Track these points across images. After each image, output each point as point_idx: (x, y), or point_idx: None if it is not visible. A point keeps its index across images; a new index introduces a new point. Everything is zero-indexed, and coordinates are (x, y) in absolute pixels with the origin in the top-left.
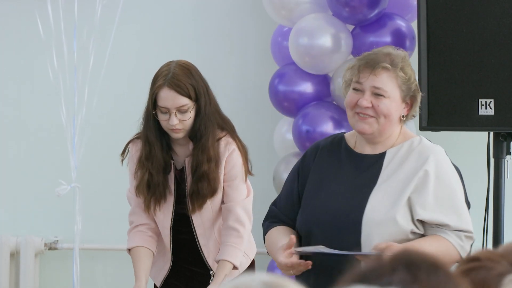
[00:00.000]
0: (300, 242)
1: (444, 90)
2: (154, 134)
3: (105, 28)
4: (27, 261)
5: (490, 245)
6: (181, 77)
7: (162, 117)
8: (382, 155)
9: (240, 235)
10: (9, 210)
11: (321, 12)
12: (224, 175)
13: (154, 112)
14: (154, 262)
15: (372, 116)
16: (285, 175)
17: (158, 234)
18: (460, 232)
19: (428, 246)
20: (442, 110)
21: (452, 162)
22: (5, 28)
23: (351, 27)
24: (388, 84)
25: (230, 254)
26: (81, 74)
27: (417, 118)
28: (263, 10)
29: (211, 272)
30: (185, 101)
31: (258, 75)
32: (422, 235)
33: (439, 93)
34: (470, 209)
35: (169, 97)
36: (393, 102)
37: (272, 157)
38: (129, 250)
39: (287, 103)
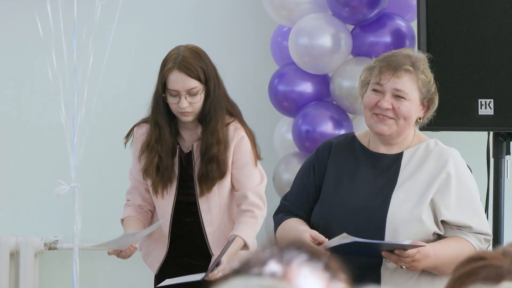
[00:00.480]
0: None
1: (444, 90)
2: (163, 118)
3: (104, 28)
4: (27, 261)
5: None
6: (191, 60)
7: (171, 100)
8: (399, 156)
9: (254, 215)
10: (9, 210)
11: (321, 12)
12: (234, 162)
13: (163, 95)
14: (151, 251)
15: (391, 118)
16: (285, 175)
17: (152, 213)
18: (480, 235)
19: (453, 247)
20: (442, 110)
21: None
22: (4, 28)
23: (351, 27)
24: (409, 86)
25: (242, 231)
26: (81, 74)
27: None
28: (263, 10)
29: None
30: (195, 84)
31: (258, 75)
32: (440, 237)
33: (439, 93)
34: None
35: (179, 80)
36: (413, 104)
37: (272, 157)
38: (122, 220)
39: (287, 103)
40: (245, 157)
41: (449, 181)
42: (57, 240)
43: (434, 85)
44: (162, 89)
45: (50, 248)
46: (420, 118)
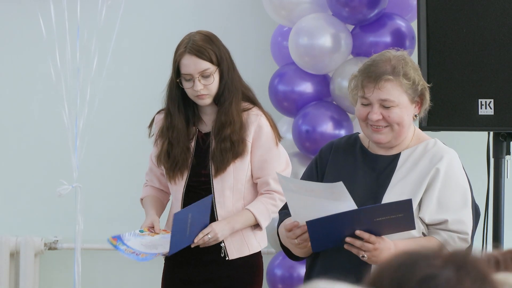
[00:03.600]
0: None
1: (444, 90)
2: (176, 105)
3: (107, 28)
4: (27, 261)
5: (490, 245)
6: (201, 43)
7: (186, 85)
8: (396, 156)
9: (272, 197)
10: (9, 210)
11: (321, 12)
12: (255, 150)
13: (178, 81)
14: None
15: (385, 126)
16: None
17: (169, 194)
18: (454, 233)
19: (417, 243)
20: (442, 110)
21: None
22: (7, 28)
23: (351, 27)
24: (394, 93)
25: (252, 205)
26: (83, 75)
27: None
28: (263, 10)
29: (222, 244)
30: (207, 65)
31: (258, 75)
32: None
33: (439, 93)
34: (479, 218)
35: (191, 63)
36: (403, 108)
37: None
38: (141, 200)
39: (287, 103)
40: (266, 144)
41: (437, 176)
42: (57, 240)
43: (422, 82)
44: (176, 76)
45: (50, 248)
46: (416, 115)
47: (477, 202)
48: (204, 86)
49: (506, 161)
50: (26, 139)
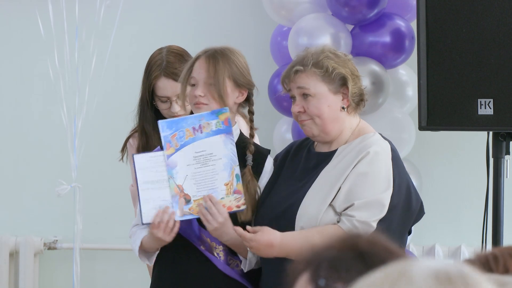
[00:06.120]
0: None
1: (443, 90)
2: (151, 125)
3: (105, 28)
4: (26, 261)
5: (489, 245)
6: (176, 65)
7: (162, 106)
8: (333, 153)
9: None
10: (9, 210)
11: (320, 12)
12: None
13: (154, 103)
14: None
15: (308, 119)
16: None
17: None
18: (352, 218)
19: (308, 235)
20: (441, 110)
21: (393, 162)
22: (6, 27)
23: (350, 27)
24: (308, 82)
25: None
26: (82, 74)
27: (416, 118)
28: (263, 10)
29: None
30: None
31: (257, 75)
32: None
33: (439, 93)
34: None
35: (167, 86)
36: (321, 99)
37: (271, 157)
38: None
39: (287, 103)
40: None
41: (356, 167)
42: (57, 240)
43: (339, 70)
44: (151, 96)
45: (49, 248)
46: (343, 108)
47: (476, 202)
48: (181, 107)
49: (505, 161)
50: (25, 139)
